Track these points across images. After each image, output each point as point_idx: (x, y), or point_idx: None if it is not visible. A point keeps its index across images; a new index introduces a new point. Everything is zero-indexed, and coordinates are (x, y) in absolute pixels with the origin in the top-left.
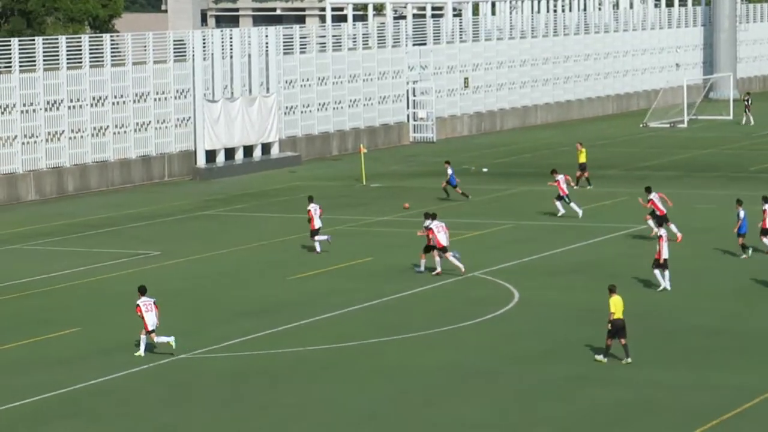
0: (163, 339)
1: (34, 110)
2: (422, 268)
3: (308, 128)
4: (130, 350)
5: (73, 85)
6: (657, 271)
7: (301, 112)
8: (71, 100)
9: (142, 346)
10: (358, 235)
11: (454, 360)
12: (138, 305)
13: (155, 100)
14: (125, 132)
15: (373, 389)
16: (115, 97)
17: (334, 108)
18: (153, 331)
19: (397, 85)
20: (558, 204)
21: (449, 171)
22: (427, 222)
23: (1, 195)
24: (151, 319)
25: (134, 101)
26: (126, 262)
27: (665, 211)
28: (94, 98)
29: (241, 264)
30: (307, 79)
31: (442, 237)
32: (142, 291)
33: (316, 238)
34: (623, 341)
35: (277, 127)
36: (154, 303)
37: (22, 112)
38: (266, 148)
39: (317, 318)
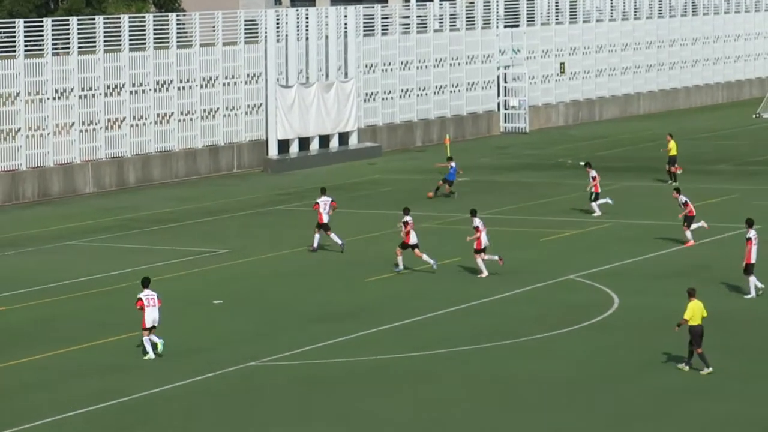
0: (154, 339)
1: (93, 95)
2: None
3: (389, 117)
4: (192, 356)
5: (136, 69)
6: (752, 279)
7: (382, 99)
8: (133, 85)
9: (149, 347)
10: (445, 233)
11: (547, 369)
12: (140, 299)
13: (224, 84)
14: (191, 119)
15: (458, 400)
16: (181, 81)
17: (417, 95)
18: (152, 328)
19: (486, 71)
20: (594, 205)
21: (452, 166)
22: (476, 222)
23: (57, 187)
24: (151, 315)
25: (201, 86)
26: (191, 261)
27: (695, 213)
28: (158, 83)
29: (316, 264)
30: (389, 64)
31: (413, 235)
32: (145, 283)
33: (331, 235)
34: (699, 350)
35: (356, 115)
36: (157, 297)
37: (80, 97)
38: (344, 138)
39: (398, 323)
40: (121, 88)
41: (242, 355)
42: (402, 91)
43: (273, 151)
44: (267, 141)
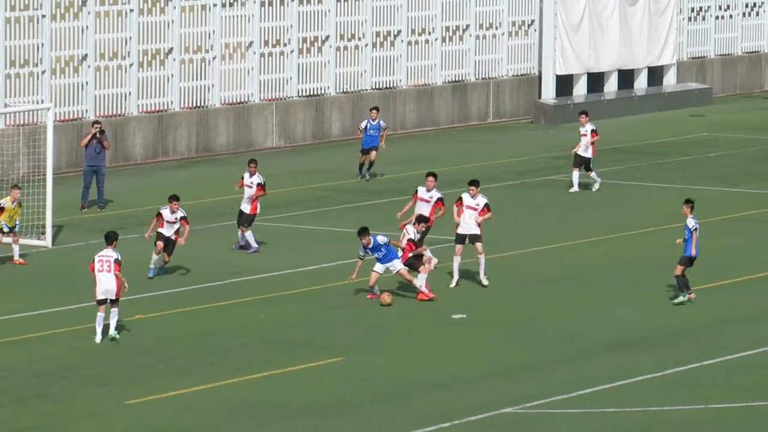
0: (111, 323)
1: (280, 2)
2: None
3: (725, 44)
4: (420, 396)
5: None
6: None
7: (716, 18)
8: None
9: (99, 329)
10: None
11: None
12: (93, 261)
13: None
14: (426, 42)
15: None
16: None
17: None
18: (104, 301)
19: None
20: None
21: (367, 125)
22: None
23: (226, 136)
24: (105, 283)
25: None
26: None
27: None
28: None
29: (615, 263)
30: None
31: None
32: (109, 239)
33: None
34: None
35: (676, 41)
36: (115, 261)
37: (262, 4)
38: (656, 75)
39: (730, 356)
40: None
41: (493, 398)
42: (747, 6)
43: (549, 93)
44: (540, 78)
